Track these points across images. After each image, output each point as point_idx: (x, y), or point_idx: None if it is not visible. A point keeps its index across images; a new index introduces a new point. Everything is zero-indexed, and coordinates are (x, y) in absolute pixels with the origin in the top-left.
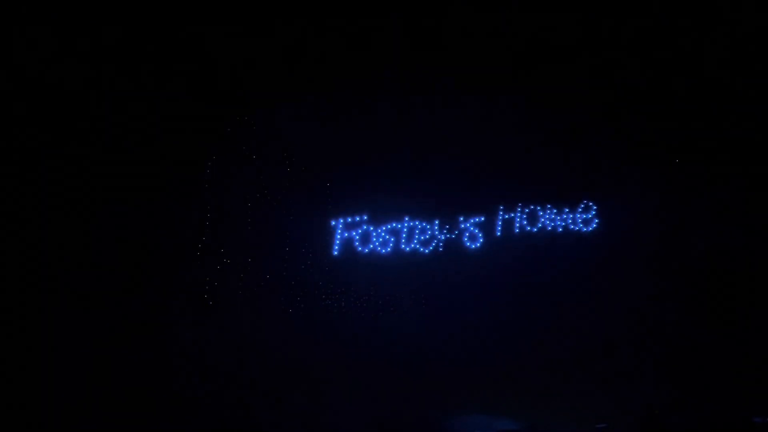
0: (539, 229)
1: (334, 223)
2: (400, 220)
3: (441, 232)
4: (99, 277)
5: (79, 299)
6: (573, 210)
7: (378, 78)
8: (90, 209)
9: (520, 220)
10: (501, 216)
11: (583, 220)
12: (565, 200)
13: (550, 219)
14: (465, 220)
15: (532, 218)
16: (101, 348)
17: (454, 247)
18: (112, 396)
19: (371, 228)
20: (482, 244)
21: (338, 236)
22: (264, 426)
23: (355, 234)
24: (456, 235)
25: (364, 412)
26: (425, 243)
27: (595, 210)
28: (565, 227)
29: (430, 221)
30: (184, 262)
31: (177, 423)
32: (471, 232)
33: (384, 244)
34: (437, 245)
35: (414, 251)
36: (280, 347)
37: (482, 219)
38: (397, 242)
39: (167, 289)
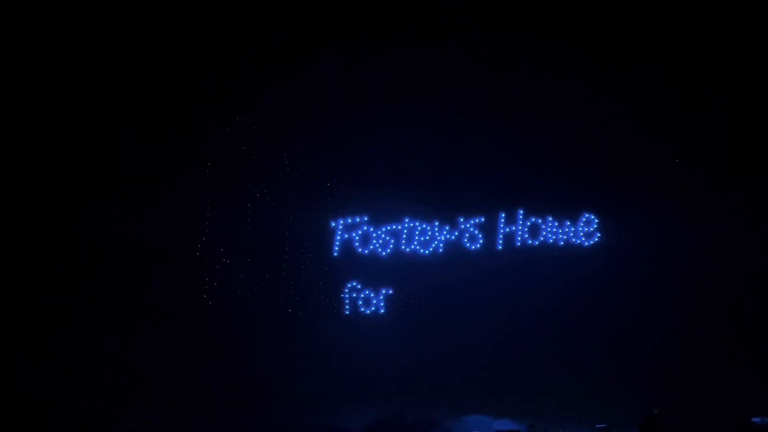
0: (540, 242)
1: (334, 224)
2: (400, 221)
3: (441, 233)
4: (98, 277)
5: (79, 299)
6: (574, 223)
7: (379, 80)
8: (89, 210)
9: (521, 233)
10: (502, 229)
11: (584, 233)
12: (566, 213)
13: (551, 232)
14: (465, 221)
15: (534, 231)
16: (100, 347)
17: (453, 248)
18: (110, 394)
19: (371, 229)
20: (482, 246)
21: (338, 237)
22: (263, 425)
23: (355, 235)
24: (456, 236)
25: (365, 412)
26: (425, 244)
27: (596, 224)
28: (567, 240)
29: (430, 222)
30: (184, 261)
31: (175, 422)
32: (471, 233)
33: (384, 245)
34: (437, 246)
35: (414, 252)
36: (279, 346)
37: (482, 220)
38: (397, 243)
39: (167, 288)
